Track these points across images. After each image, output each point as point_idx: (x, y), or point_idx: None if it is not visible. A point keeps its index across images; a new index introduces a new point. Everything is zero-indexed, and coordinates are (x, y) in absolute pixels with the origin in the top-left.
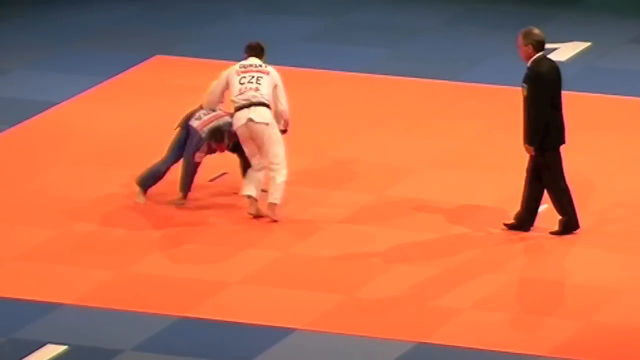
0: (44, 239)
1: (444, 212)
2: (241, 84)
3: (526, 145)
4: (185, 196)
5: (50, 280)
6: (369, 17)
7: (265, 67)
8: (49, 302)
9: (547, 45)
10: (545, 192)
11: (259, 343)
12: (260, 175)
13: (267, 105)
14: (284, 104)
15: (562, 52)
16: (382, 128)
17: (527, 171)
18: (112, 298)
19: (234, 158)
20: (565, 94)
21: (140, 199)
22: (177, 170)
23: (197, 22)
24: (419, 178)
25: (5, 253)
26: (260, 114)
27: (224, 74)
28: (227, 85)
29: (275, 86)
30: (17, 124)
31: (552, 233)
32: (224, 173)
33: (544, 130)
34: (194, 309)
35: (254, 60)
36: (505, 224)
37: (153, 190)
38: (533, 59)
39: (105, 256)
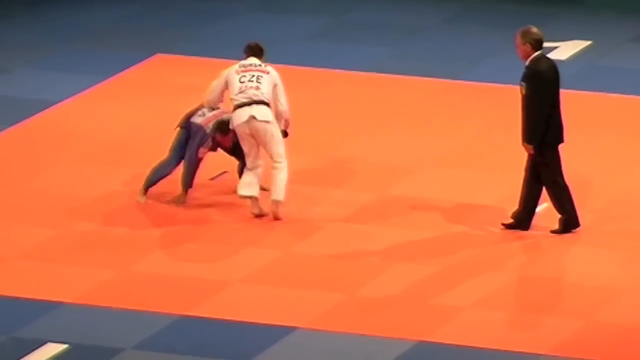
0: (45, 238)
1: (445, 211)
2: (241, 82)
3: (525, 143)
4: (186, 192)
5: (51, 279)
6: (369, 16)
7: (265, 66)
8: (50, 301)
9: (548, 44)
10: (544, 190)
11: (259, 342)
12: (257, 173)
13: (268, 104)
14: (283, 104)
15: (563, 51)
16: (383, 127)
17: (526, 170)
18: (112, 297)
19: (234, 158)
20: (565, 93)
21: (141, 198)
22: (178, 169)
23: (198, 21)
24: (420, 177)
25: (6, 252)
26: (262, 112)
27: (224, 73)
28: (226, 85)
29: (275, 86)
30: (17, 123)
31: (552, 232)
32: (225, 172)
33: (543, 128)
34: (194, 307)
35: (253, 60)
36: (503, 224)
37: (154, 189)
38: (531, 57)
39: (106, 255)
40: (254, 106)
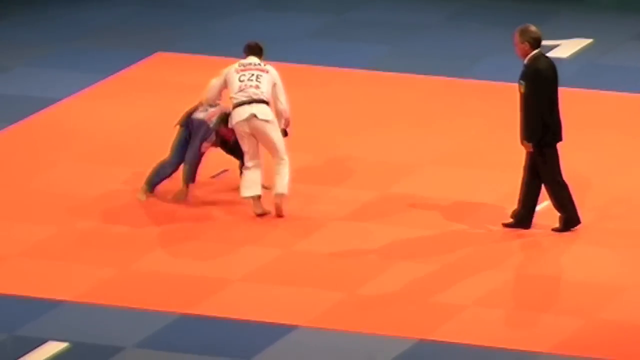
0: (46, 236)
1: (445, 210)
2: (241, 81)
3: (524, 142)
4: (187, 187)
5: (52, 277)
6: (370, 14)
7: (265, 65)
8: (51, 299)
9: (549, 42)
10: (544, 189)
11: (260, 340)
12: (258, 172)
13: (267, 103)
14: (283, 103)
15: (564, 49)
16: (384, 125)
17: (525, 169)
18: (113, 295)
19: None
20: (566, 91)
21: (142, 196)
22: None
23: (198, 19)
24: (420, 175)
25: (7, 250)
26: (262, 111)
27: (223, 72)
28: (225, 84)
29: (274, 85)
30: (18, 121)
31: (554, 230)
32: (225, 170)
33: (542, 127)
34: (195, 306)
35: (253, 59)
36: (503, 224)
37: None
38: (530, 56)
39: (107, 253)
40: (254, 105)
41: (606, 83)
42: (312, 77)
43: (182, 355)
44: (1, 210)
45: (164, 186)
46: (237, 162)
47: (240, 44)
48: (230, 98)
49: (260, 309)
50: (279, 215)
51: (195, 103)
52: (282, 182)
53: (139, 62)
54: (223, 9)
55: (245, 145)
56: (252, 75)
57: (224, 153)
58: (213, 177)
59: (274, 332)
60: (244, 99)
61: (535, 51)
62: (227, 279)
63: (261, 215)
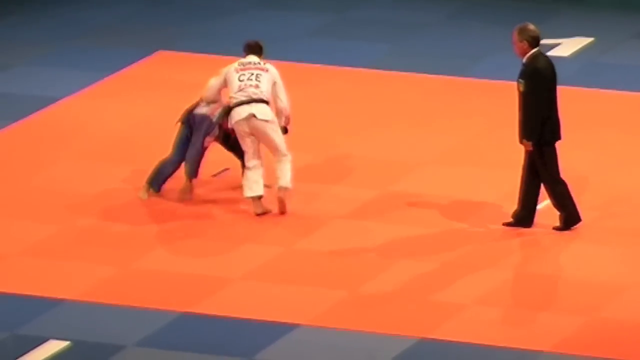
0: (47, 235)
1: (447, 208)
2: (240, 81)
3: (524, 140)
4: (191, 181)
5: (53, 276)
6: (371, 12)
7: (264, 64)
8: (52, 298)
9: (550, 41)
10: (543, 188)
11: (261, 339)
12: (260, 172)
13: (267, 102)
14: (283, 100)
15: (565, 48)
16: (384, 124)
17: (523, 169)
18: (114, 294)
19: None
20: (568, 90)
21: (143, 194)
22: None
23: (200, 18)
24: (422, 174)
25: (8, 249)
26: (261, 111)
27: (223, 71)
28: (225, 83)
29: (274, 83)
30: (19, 120)
31: (555, 228)
32: (227, 169)
33: (542, 125)
34: (196, 304)
35: (252, 58)
36: (504, 224)
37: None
38: (529, 54)
39: (107, 252)
40: (254, 104)
41: (607, 82)
42: (313, 75)
43: (182, 354)
44: (2, 208)
45: (166, 185)
46: (237, 160)
47: (241, 42)
48: (230, 97)
49: (261, 308)
50: (282, 211)
51: (196, 100)
52: (285, 177)
53: (140, 61)
54: (224, 8)
55: (245, 145)
56: (252, 74)
57: (225, 151)
58: (214, 175)
59: (275, 330)
60: (244, 98)
61: (534, 50)
62: (228, 278)
63: (261, 214)
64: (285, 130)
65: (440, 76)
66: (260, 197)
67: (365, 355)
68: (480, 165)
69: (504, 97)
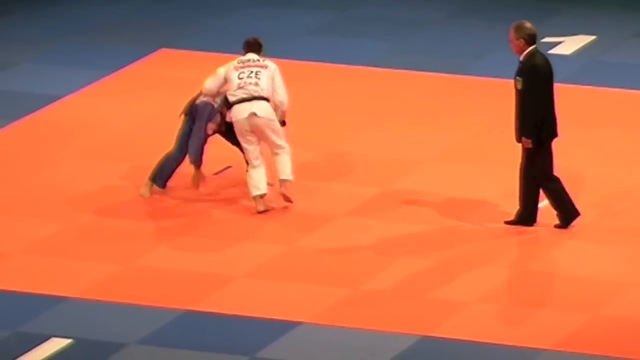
0: (49, 233)
1: (448, 206)
2: (240, 78)
3: (523, 138)
4: (199, 169)
5: (55, 274)
6: (373, 10)
7: (263, 61)
8: (54, 296)
9: (552, 39)
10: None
11: (264, 336)
12: (263, 170)
13: (268, 100)
14: (281, 94)
15: (567, 46)
16: (386, 122)
17: (521, 168)
18: (117, 291)
19: (237, 152)
20: (569, 88)
21: (146, 192)
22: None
23: (202, 16)
24: (423, 172)
25: (10, 246)
26: (263, 108)
27: (222, 69)
28: (224, 81)
29: (273, 79)
30: (22, 117)
31: (556, 227)
32: (229, 167)
33: (540, 123)
34: (199, 302)
35: (252, 56)
36: (506, 222)
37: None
38: (526, 52)
39: (110, 249)
40: (254, 102)
41: (608, 80)
42: (314, 73)
43: (185, 352)
44: (4, 206)
45: (169, 182)
46: (240, 158)
47: (242, 40)
48: (231, 95)
49: (264, 306)
50: (287, 200)
51: (197, 92)
52: (286, 170)
53: (142, 59)
54: (226, 6)
55: (246, 143)
56: (252, 72)
57: (226, 150)
58: (216, 173)
59: (277, 328)
60: (244, 96)
61: (531, 47)
62: (230, 276)
63: (263, 212)
64: (283, 123)
65: (441, 74)
66: (264, 195)
67: (367, 352)
68: (481, 163)
69: (505, 95)
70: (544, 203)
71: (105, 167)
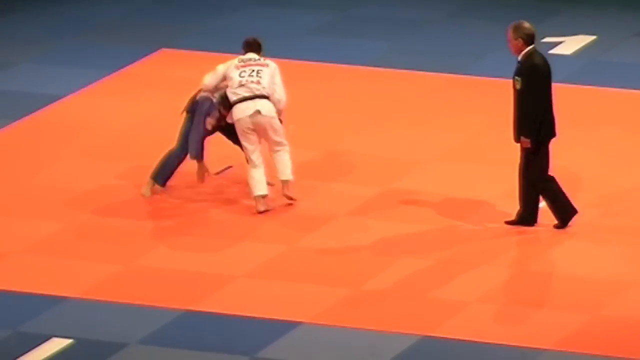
0: (50, 232)
1: (448, 206)
2: (241, 77)
3: (522, 138)
4: (201, 162)
5: (56, 274)
6: (373, 10)
7: (264, 60)
8: (55, 296)
9: (552, 39)
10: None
11: (264, 336)
12: (263, 170)
13: (269, 98)
14: (279, 92)
15: (567, 46)
16: (386, 121)
17: (520, 169)
18: (117, 291)
19: (238, 152)
20: (570, 88)
21: (147, 191)
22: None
23: (202, 16)
24: (423, 172)
25: (11, 246)
26: (266, 107)
27: (222, 67)
28: (223, 78)
29: (273, 77)
30: (22, 117)
31: (555, 226)
32: (229, 167)
33: (540, 122)
34: (199, 302)
35: (252, 55)
36: (507, 222)
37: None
38: (524, 52)
39: (110, 249)
40: (257, 100)
41: (609, 80)
42: (314, 73)
43: (185, 352)
44: (4, 206)
45: (170, 182)
46: (241, 157)
47: (242, 40)
48: (232, 93)
49: (264, 305)
50: (290, 198)
51: (198, 89)
52: (286, 170)
53: (143, 59)
54: (226, 6)
55: (248, 141)
56: (253, 70)
57: (227, 149)
58: (217, 173)
59: (278, 328)
60: (247, 94)
61: (529, 47)
62: (230, 275)
63: (264, 212)
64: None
65: (442, 74)
66: (265, 196)
67: (367, 352)
68: (482, 163)
69: (505, 95)
70: (544, 203)
71: (105, 167)
